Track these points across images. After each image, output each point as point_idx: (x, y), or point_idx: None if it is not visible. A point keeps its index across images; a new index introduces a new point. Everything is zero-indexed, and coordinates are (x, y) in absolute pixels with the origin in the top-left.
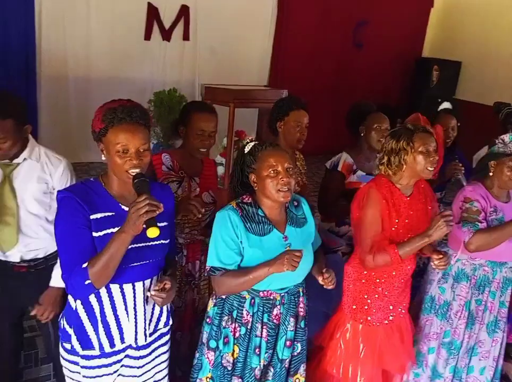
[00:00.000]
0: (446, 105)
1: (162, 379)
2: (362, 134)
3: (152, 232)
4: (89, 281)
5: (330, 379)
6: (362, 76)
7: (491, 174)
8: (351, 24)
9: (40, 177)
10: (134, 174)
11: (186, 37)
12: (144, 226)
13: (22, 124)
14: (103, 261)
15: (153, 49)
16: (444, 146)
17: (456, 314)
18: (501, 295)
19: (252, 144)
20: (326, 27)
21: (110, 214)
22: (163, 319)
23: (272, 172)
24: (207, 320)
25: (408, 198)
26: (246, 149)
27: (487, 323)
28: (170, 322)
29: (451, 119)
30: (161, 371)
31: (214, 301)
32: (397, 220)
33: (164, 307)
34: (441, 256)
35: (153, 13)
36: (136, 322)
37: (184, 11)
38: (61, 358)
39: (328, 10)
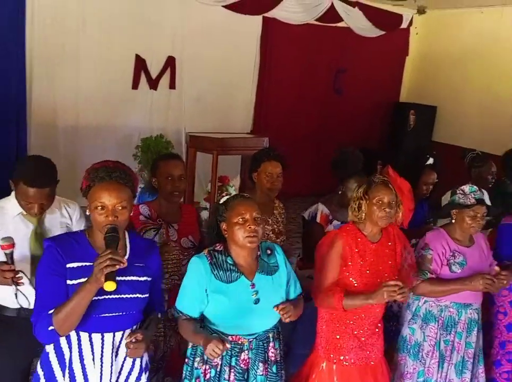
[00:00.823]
0: (430, 161)
1: None
2: (340, 192)
3: (108, 286)
4: (52, 327)
5: None
6: (343, 120)
7: (453, 221)
8: (332, 72)
9: (62, 222)
10: (107, 227)
11: (172, 86)
12: (103, 279)
13: (55, 185)
14: (67, 309)
15: (140, 98)
16: (420, 198)
17: (428, 354)
18: (467, 336)
19: (226, 197)
20: (307, 74)
21: (88, 263)
22: (135, 373)
23: (240, 219)
24: (186, 360)
25: (374, 244)
26: (221, 201)
27: (456, 363)
28: (143, 377)
29: (433, 174)
30: None
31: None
32: (361, 263)
33: (137, 362)
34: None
35: (140, 64)
36: (101, 373)
37: (170, 62)
38: None
39: (309, 58)
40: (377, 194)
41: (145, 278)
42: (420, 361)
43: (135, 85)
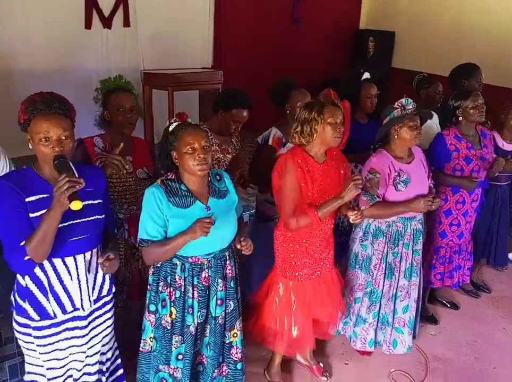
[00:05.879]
0: (366, 75)
1: (109, 342)
2: (288, 111)
3: (75, 205)
4: (28, 257)
5: (268, 332)
6: (303, 50)
7: (396, 137)
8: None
9: None
10: (53, 156)
11: (126, 23)
12: (68, 201)
13: None
14: (38, 238)
15: (95, 37)
16: (368, 112)
17: (375, 266)
18: (414, 245)
19: (175, 124)
20: (266, 3)
21: (44, 195)
22: (106, 286)
23: (189, 149)
24: (148, 287)
25: (321, 165)
26: (170, 129)
27: (404, 270)
28: (113, 290)
29: (372, 88)
30: (107, 335)
31: (152, 270)
32: (312, 183)
33: (107, 277)
34: (355, 212)
35: (91, 1)
36: (80, 289)
37: None
38: (14, 331)
39: None
40: (330, 115)
41: (98, 200)
42: (369, 273)
43: (87, 24)
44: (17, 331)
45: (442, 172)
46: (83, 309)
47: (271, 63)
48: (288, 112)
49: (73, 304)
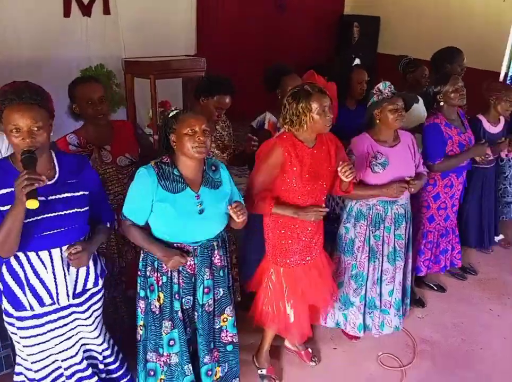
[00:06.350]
0: (357, 61)
1: (100, 334)
2: (279, 97)
3: (31, 204)
4: None
5: (267, 316)
6: (288, 36)
7: (378, 121)
8: None
9: None
10: (22, 150)
11: (106, 11)
12: (25, 199)
13: None
14: (2, 234)
15: (74, 26)
16: (358, 98)
17: (358, 249)
18: (396, 229)
19: (176, 111)
20: None
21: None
22: (91, 279)
23: (190, 131)
24: (138, 273)
25: (311, 149)
26: (171, 115)
27: (387, 254)
28: (100, 282)
29: (363, 74)
30: (97, 327)
31: (142, 255)
32: (301, 167)
33: (91, 269)
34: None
35: None
36: (56, 284)
37: None
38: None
39: None
40: (318, 104)
41: (81, 192)
42: (353, 256)
43: (66, 13)
44: (5, 322)
45: (448, 157)
46: (58, 303)
47: (255, 50)
48: (279, 97)
49: (51, 297)
